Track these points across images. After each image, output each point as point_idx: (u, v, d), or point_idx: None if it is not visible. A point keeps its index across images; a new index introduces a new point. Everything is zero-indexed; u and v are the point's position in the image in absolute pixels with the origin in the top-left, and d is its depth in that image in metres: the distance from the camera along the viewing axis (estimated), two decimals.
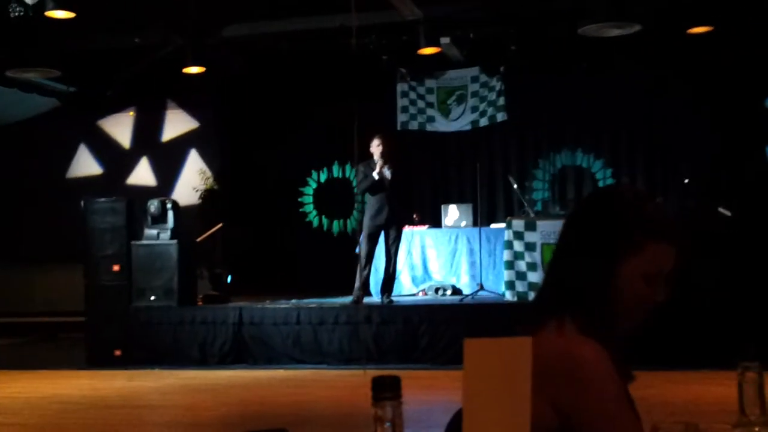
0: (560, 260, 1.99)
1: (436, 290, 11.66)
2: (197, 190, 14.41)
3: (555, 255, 2.01)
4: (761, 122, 12.04)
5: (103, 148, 15.41)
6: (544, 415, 1.78)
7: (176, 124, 15.27)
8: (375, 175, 10.30)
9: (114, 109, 15.27)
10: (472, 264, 11.81)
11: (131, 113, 15.30)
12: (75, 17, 9.87)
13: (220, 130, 14.81)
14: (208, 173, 14.64)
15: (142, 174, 15.24)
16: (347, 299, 10.65)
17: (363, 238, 10.50)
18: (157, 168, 15.25)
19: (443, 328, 9.76)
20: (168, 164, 15.13)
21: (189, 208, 13.64)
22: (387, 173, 10.30)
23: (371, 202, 10.53)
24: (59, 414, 7.82)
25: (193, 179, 14.68)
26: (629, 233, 1.87)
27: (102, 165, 15.40)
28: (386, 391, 1.23)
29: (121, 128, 15.47)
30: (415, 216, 10.75)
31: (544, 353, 1.73)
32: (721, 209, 9.44)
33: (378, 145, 10.33)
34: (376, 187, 10.37)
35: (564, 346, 1.83)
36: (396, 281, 11.48)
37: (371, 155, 10.41)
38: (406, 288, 11.97)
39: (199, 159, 15.00)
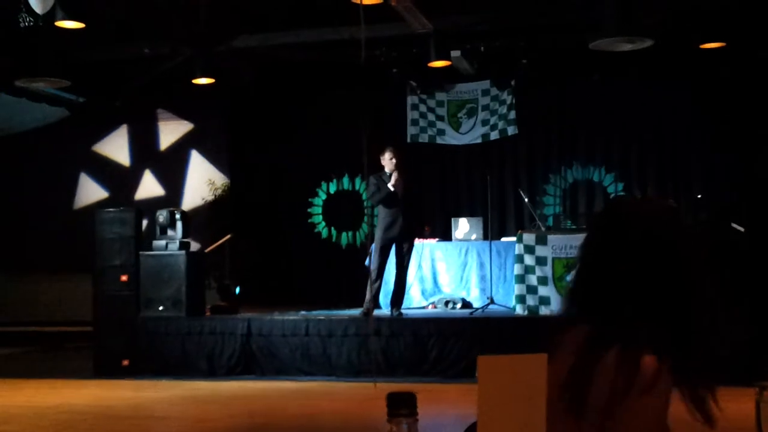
0: (638, 281, 1.88)
1: (446, 303, 11.61)
2: (205, 200, 14.43)
3: (618, 275, 1.91)
4: None
5: (104, 170, 15.45)
6: None
7: (171, 129, 15.31)
8: (390, 187, 10.25)
9: (106, 130, 15.35)
10: (482, 277, 11.76)
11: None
12: (85, 27, 9.87)
13: (229, 141, 14.80)
14: (217, 183, 14.64)
15: (149, 186, 15.24)
16: (356, 311, 10.59)
17: (374, 251, 10.43)
18: (161, 177, 15.27)
19: (453, 342, 9.69)
20: (172, 171, 15.15)
21: (198, 211, 13.69)
22: (400, 186, 10.26)
23: (383, 214, 10.46)
24: (65, 424, 7.76)
25: (200, 180, 14.72)
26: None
27: (106, 188, 15.43)
28: (402, 407, 1.23)
29: (117, 147, 15.51)
30: (426, 229, 10.72)
31: (608, 368, 1.75)
32: (734, 225, 9.38)
33: (391, 158, 10.29)
34: (390, 199, 10.31)
35: (643, 360, 1.78)
36: (406, 294, 11.43)
37: (382, 167, 10.37)
38: (415, 301, 11.91)
39: (201, 157, 15.03)
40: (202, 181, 14.80)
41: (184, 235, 10.92)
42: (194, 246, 11.77)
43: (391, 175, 10.30)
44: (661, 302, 1.84)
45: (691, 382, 1.79)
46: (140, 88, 13.58)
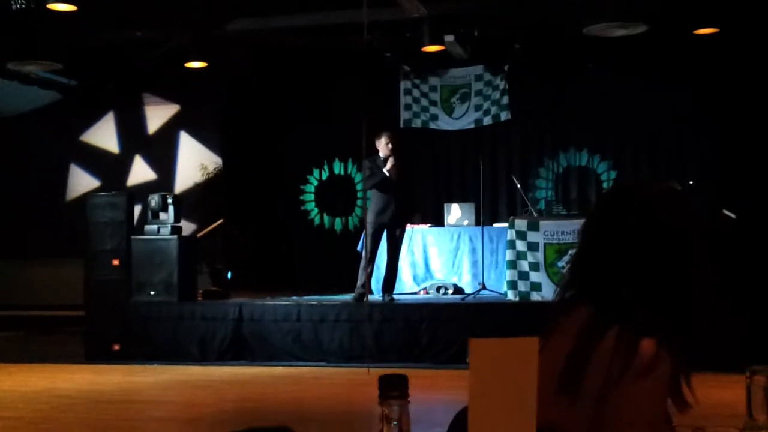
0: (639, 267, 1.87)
1: (438, 289, 11.61)
2: (197, 183, 14.43)
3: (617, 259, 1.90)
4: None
5: (94, 159, 15.42)
6: None
7: (157, 113, 15.27)
8: (386, 171, 10.22)
9: (95, 118, 15.31)
10: (474, 263, 11.76)
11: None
12: (77, 10, 9.82)
13: (222, 125, 14.76)
14: (209, 168, 14.62)
15: (140, 171, 15.22)
16: (348, 296, 10.60)
17: (367, 236, 10.42)
18: (152, 162, 15.24)
19: (444, 327, 9.71)
20: (162, 155, 15.13)
21: (191, 192, 13.69)
22: (394, 171, 10.24)
23: (376, 199, 10.43)
24: (57, 408, 7.76)
25: (191, 163, 14.71)
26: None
27: (97, 177, 15.40)
28: (394, 389, 1.23)
29: (105, 135, 15.47)
30: (418, 215, 10.72)
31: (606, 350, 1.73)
32: (725, 211, 9.39)
33: (387, 143, 10.26)
34: (384, 184, 10.29)
35: (642, 343, 1.75)
36: (398, 280, 11.44)
37: (376, 152, 10.34)
38: (407, 286, 11.91)
39: (191, 140, 15.01)
40: (193, 164, 14.78)
41: (176, 219, 10.89)
42: (187, 227, 11.76)
43: (386, 159, 10.27)
44: (660, 285, 1.83)
45: (684, 368, 1.78)
46: (133, 71, 13.52)
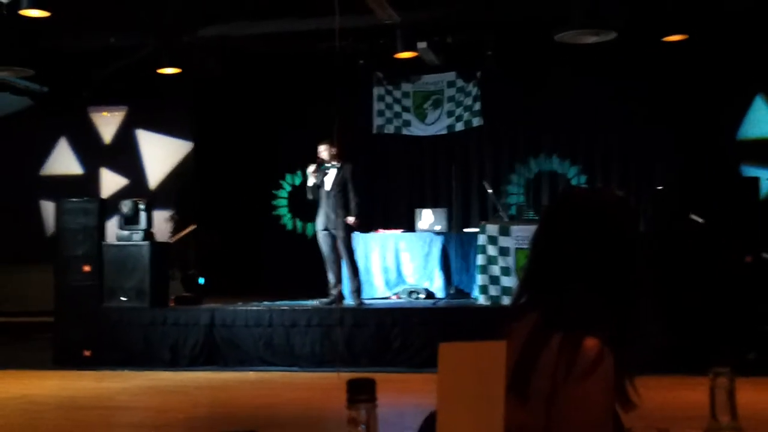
0: (583, 266, 1.92)
1: (410, 293, 11.64)
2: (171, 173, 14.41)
3: (564, 259, 1.95)
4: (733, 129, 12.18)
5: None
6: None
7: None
8: (311, 178, 10.43)
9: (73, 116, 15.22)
10: (445, 268, 11.79)
11: (104, 113, 15.19)
12: (50, 16, 9.78)
13: (193, 130, 14.71)
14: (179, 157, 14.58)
15: (110, 182, 15.11)
16: (320, 301, 10.62)
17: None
18: (118, 168, 15.12)
19: (416, 332, 9.74)
20: (126, 157, 15.04)
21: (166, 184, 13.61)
22: (326, 178, 10.39)
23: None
24: (28, 414, 7.72)
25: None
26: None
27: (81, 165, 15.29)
28: (361, 393, 1.24)
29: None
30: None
31: (553, 350, 1.77)
32: (693, 216, 9.47)
33: (323, 151, 10.41)
34: (310, 191, 10.50)
35: (584, 344, 1.78)
36: (369, 284, 11.48)
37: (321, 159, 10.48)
38: (379, 291, 11.92)
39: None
40: (152, 147, 14.76)
41: (148, 225, 10.87)
42: (161, 219, 11.62)
43: (323, 167, 10.37)
44: (602, 286, 1.87)
45: (625, 367, 1.80)
46: (106, 77, 13.47)
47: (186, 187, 14.26)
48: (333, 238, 10.46)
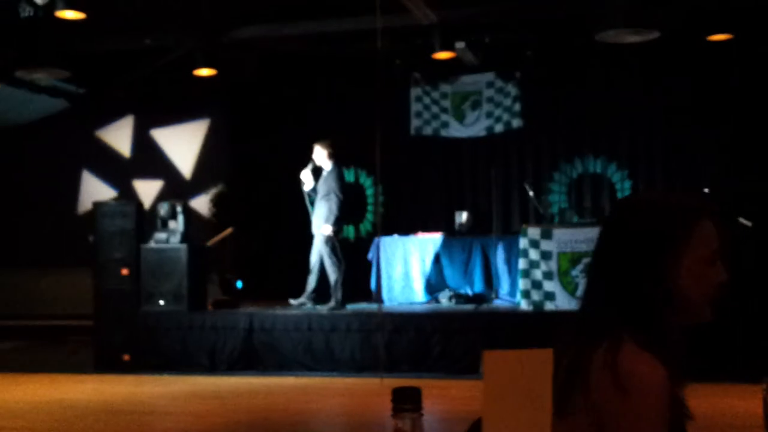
0: (606, 277, 1.92)
1: (450, 298, 11.48)
2: (208, 194, 14.39)
3: (597, 272, 1.96)
4: None
5: (106, 162, 15.40)
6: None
7: (169, 126, 15.26)
8: (303, 181, 10.70)
9: (108, 119, 15.28)
10: (486, 272, 11.64)
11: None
12: (85, 18, 9.77)
13: (231, 134, 14.69)
14: (218, 176, 14.58)
15: (146, 188, 15.16)
16: (360, 306, 10.54)
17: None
18: (149, 174, 15.16)
19: (457, 337, 9.62)
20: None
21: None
22: (317, 180, 10.54)
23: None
24: (66, 419, 7.70)
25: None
26: (673, 226, 1.86)
27: (108, 183, 15.35)
28: (407, 402, 1.23)
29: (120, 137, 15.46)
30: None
31: (597, 368, 1.75)
32: (741, 219, 9.28)
33: (316, 152, 10.60)
34: (309, 197, 10.71)
35: (618, 359, 1.76)
36: (409, 289, 11.40)
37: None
38: (419, 296, 11.78)
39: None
40: (185, 147, 14.84)
41: (186, 228, 10.82)
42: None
43: (317, 169, 10.52)
44: (639, 300, 1.85)
45: (675, 379, 1.79)
46: (142, 79, 13.47)
47: (218, 166, 14.30)
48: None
